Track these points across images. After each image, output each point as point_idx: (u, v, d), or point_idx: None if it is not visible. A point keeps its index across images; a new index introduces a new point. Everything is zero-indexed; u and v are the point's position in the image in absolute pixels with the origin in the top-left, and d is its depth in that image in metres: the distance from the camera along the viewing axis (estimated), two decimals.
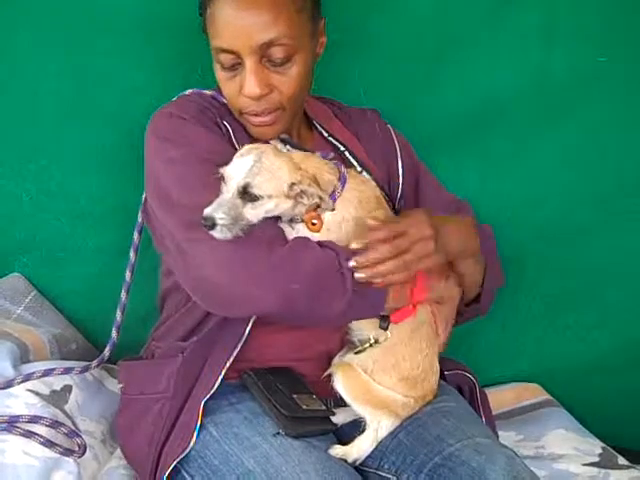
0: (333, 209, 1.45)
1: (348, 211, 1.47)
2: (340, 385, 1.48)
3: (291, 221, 1.46)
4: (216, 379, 1.47)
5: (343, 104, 1.78)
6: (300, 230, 1.46)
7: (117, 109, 1.84)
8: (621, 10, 1.84)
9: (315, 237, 1.45)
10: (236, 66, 1.48)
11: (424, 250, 1.42)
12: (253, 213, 1.39)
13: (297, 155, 1.47)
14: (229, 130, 1.54)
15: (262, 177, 1.37)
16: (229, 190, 1.38)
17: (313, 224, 1.45)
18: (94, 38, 1.79)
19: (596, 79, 1.88)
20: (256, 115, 1.51)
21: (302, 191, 1.41)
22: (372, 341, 1.49)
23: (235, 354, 1.48)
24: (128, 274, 1.70)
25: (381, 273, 1.39)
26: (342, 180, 1.48)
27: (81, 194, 1.90)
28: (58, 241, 1.94)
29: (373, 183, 1.61)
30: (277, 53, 1.47)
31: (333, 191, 1.46)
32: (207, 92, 1.62)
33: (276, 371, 1.53)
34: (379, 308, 1.45)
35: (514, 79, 1.90)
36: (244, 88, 1.48)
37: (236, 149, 1.48)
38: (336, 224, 1.46)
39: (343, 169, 1.50)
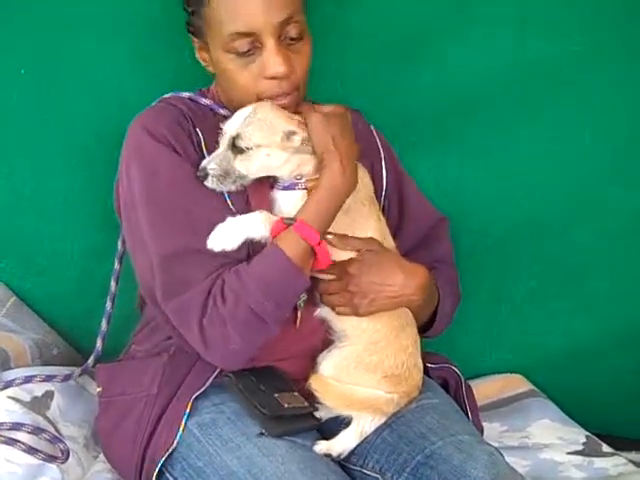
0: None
1: None
2: (320, 397, 1.48)
3: (287, 188, 1.47)
4: (205, 381, 1.47)
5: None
6: (298, 198, 1.46)
7: (97, 107, 1.82)
8: None
9: None
10: (252, 50, 1.47)
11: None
12: (243, 165, 1.42)
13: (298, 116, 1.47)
14: (200, 139, 1.52)
15: (253, 128, 1.41)
16: (223, 143, 1.43)
17: None
18: (71, 33, 1.77)
19: (571, 67, 1.89)
20: (276, 98, 1.49)
21: (303, 139, 1.43)
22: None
23: None
24: (113, 284, 1.70)
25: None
26: None
27: (59, 197, 1.88)
28: (36, 245, 1.92)
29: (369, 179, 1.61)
30: (293, 30, 1.47)
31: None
32: (185, 95, 1.60)
33: (257, 371, 1.51)
34: (303, 290, 1.46)
35: (489, 69, 1.90)
36: (268, 69, 1.47)
37: (205, 157, 1.48)
38: None
39: None
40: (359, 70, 1.89)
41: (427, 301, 1.59)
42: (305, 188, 1.47)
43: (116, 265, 1.70)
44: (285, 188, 1.48)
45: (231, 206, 1.48)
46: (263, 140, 1.42)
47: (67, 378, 1.73)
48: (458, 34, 1.88)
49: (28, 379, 1.69)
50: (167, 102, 1.58)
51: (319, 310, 1.53)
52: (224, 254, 1.40)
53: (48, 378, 1.72)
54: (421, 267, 1.57)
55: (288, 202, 1.48)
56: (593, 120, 1.94)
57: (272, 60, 1.46)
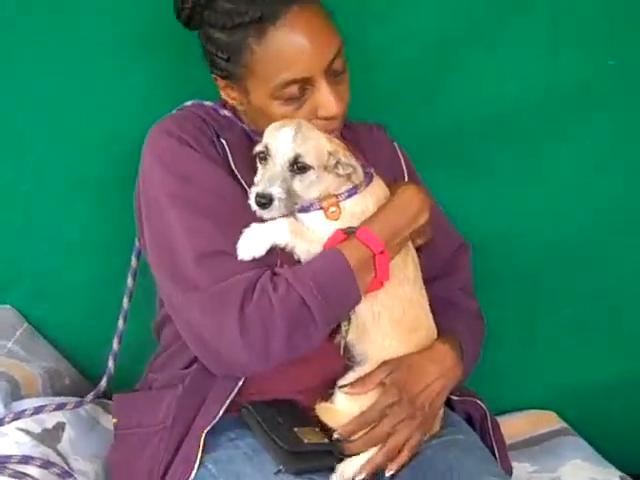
0: (362, 182, 1.45)
1: (367, 206, 1.45)
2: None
3: (304, 210, 1.43)
4: (219, 409, 1.43)
5: (348, 120, 1.72)
6: (316, 218, 1.43)
7: (109, 131, 1.81)
8: (628, 13, 1.82)
9: (331, 226, 1.43)
10: (302, 92, 1.45)
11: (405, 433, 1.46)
12: (302, 186, 1.39)
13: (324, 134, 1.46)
14: (225, 149, 1.50)
15: (308, 146, 1.38)
16: (276, 163, 1.37)
17: (331, 212, 1.43)
18: (84, 55, 1.76)
19: (606, 84, 1.86)
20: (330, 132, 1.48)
21: (337, 161, 1.40)
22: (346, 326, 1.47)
23: (239, 385, 1.44)
24: (125, 300, 1.68)
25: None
26: (369, 178, 1.47)
27: (72, 223, 1.87)
28: (49, 271, 1.90)
29: None
30: (338, 63, 1.47)
31: (358, 185, 1.45)
32: (208, 104, 1.59)
33: (277, 404, 1.48)
34: (355, 303, 1.41)
35: (521, 88, 1.88)
36: (324, 111, 1.46)
37: (232, 170, 1.47)
38: (355, 215, 1.44)
39: (371, 170, 1.50)
40: (384, 86, 1.87)
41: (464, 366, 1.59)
42: (321, 208, 1.43)
43: (129, 282, 1.68)
44: (302, 210, 1.43)
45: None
46: (318, 160, 1.39)
47: (79, 404, 1.71)
48: (487, 51, 1.85)
49: (39, 409, 1.65)
50: (188, 110, 1.57)
51: (338, 336, 1.49)
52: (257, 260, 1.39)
53: (59, 406, 1.68)
54: (438, 344, 1.54)
55: (308, 223, 1.44)
56: (629, 141, 1.91)
57: (327, 102, 1.45)
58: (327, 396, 1.49)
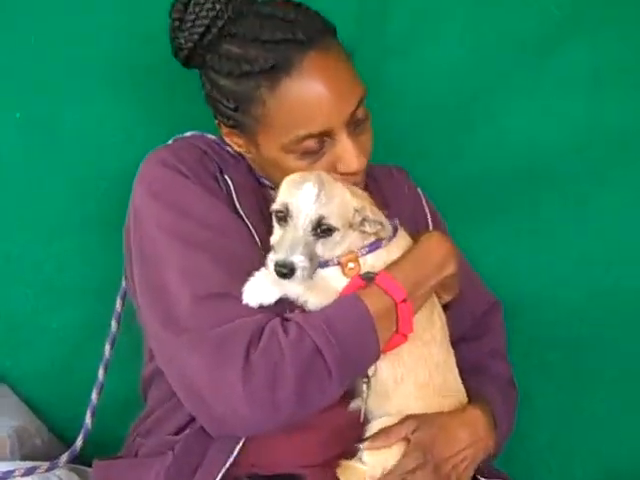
0: (391, 237, 1.38)
1: (392, 259, 1.38)
2: None
3: (320, 266, 1.33)
4: None
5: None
6: (333, 273, 1.34)
7: (90, 166, 1.75)
8: None
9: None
10: (321, 145, 1.39)
11: None
12: (326, 249, 1.32)
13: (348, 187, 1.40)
14: (230, 185, 1.42)
15: (333, 205, 1.30)
16: (298, 226, 1.29)
17: (349, 268, 1.34)
18: (65, 87, 1.71)
19: None
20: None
21: (364, 218, 1.33)
22: (366, 380, 1.39)
23: (235, 454, 1.35)
24: (107, 348, 1.58)
25: None
26: (393, 230, 1.40)
27: (47, 262, 1.79)
28: (21, 318, 1.82)
29: None
30: (361, 112, 1.40)
31: (382, 238, 1.37)
32: (210, 136, 1.51)
33: (279, 478, 1.40)
34: (374, 357, 1.32)
35: (559, 133, 1.79)
36: (345, 166, 1.39)
37: (236, 209, 1.40)
38: (377, 269, 1.36)
39: (396, 222, 1.42)
40: (406, 129, 1.80)
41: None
42: (338, 263, 1.34)
43: (113, 326, 1.58)
44: (319, 265, 1.34)
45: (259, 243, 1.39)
46: (344, 218, 1.31)
47: (52, 467, 1.59)
48: (523, 92, 1.78)
49: (6, 475, 1.55)
50: (186, 140, 1.50)
51: (352, 403, 1.40)
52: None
53: (29, 471, 1.56)
54: (471, 409, 1.45)
55: (326, 279, 1.35)
56: None
57: (348, 157, 1.38)
58: (351, 455, 1.40)
